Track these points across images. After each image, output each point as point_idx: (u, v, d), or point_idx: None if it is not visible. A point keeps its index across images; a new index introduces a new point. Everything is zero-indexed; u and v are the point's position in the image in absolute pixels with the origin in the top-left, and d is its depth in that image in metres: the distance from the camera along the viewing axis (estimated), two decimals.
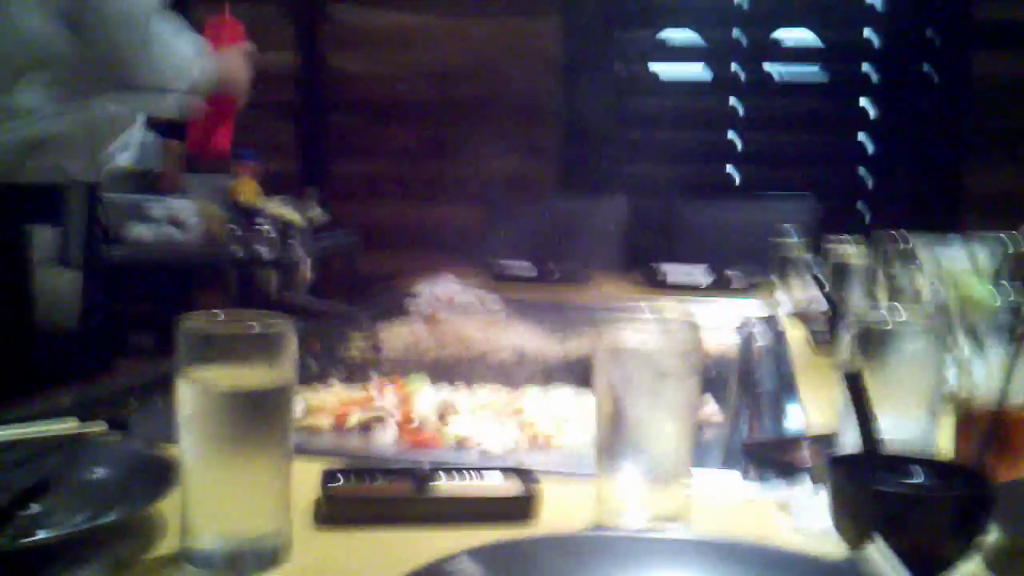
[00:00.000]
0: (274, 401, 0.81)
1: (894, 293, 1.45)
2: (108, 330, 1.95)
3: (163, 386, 0.83)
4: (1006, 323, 1.11)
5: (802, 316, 2.07)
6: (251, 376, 0.80)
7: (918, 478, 0.79)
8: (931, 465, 0.81)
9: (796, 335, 1.97)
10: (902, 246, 1.69)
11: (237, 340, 0.80)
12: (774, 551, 0.77)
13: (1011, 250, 1.45)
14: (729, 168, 4.10)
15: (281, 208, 2.75)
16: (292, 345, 0.82)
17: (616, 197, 3.49)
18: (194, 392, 0.79)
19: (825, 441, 1.08)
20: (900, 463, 0.81)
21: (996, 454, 1.07)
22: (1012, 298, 1.14)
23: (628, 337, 0.89)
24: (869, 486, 0.75)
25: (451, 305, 1.93)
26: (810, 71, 4.07)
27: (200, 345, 0.80)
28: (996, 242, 1.50)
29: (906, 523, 0.74)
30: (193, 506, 0.81)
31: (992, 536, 0.86)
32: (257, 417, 0.80)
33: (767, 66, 4.05)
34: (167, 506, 0.87)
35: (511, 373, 1.57)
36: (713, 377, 1.63)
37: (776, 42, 4.04)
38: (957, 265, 1.40)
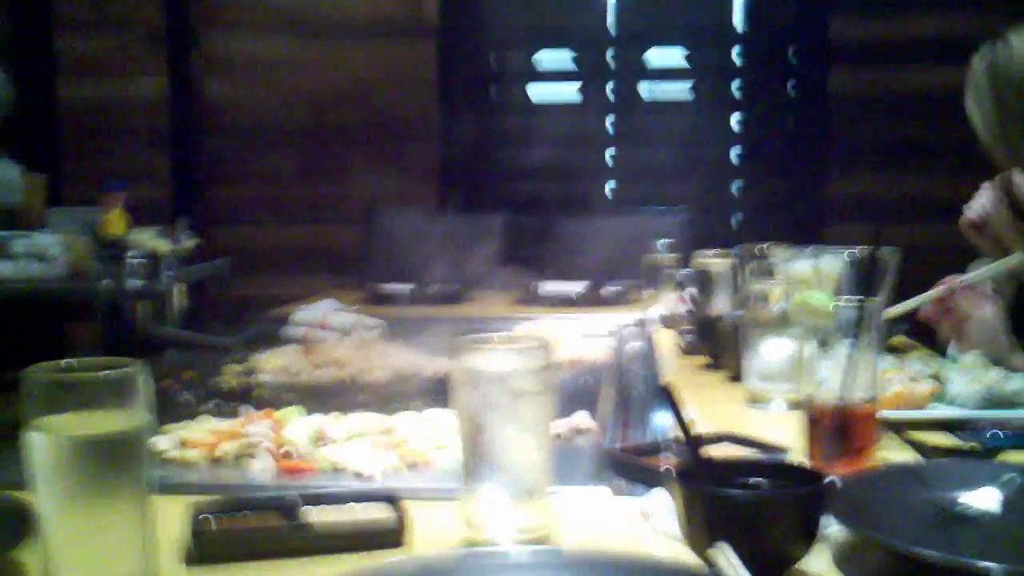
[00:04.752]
0: (127, 445, 0.81)
1: (750, 301, 1.52)
2: None
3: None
4: (848, 326, 1.18)
5: (671, 323, 2.14)
6: (102, 421, 0.79)
7: (755, 480, 0.84)
8: (768, 467, 0.86)
9: (667, 341, 2.04)
10: (759, 256, 1.78)
11: (85, 386, 0.80)
12: (626, 560, 0.80)
13: (854, 258, 1.54)
14: (605, 185, 4.20)
15: (150, 238, 2.70)
16: (143, 387, 0.82)
17: (494, 215, 3.53)
18: (43, 442, 0.78)
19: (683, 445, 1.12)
20: (739, 468, 0.86)
21: (841, 449, 1.14)
22: (850, 303, 1.21)
23: (482, 359, 0.91)
24: (707, 492, 0.79)
25: (326, 327, 1.93)
26: (680, 89, 4.21)
27: (47, 394, 0.79)
28: (842, 251, 1.60)
29: (744, 524, 0.78)
30: (54, 556, 0.79)
31: (833, 530, 0.91)
32: (111, 462, 0.80)
33: (639, 85, 4.17)
34: (28, 554, 0.85)
35: (387, 394, 1.58)
36: (585, 384, 1.68)
37: (647, 62, 4.17)
38: (804, 274, 1.48)
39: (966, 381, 1.41)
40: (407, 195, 4.05)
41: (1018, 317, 1.79)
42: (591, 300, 2.63)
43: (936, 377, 1.45)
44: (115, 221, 2.80)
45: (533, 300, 2.66)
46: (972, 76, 1.91)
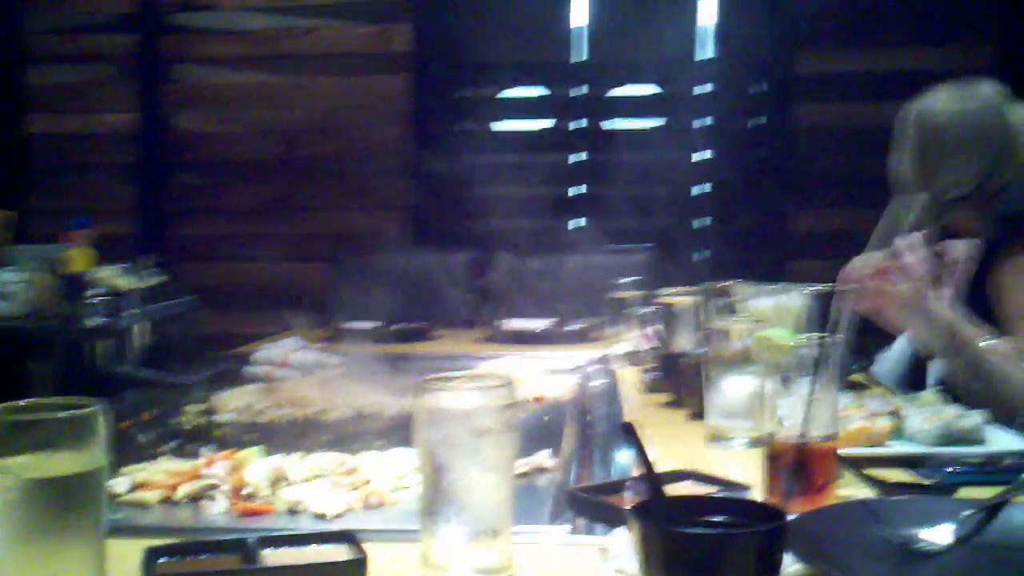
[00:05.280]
0: (84, 487, 0.80)
1: (712, 338, 1.53)
2: None
3: None
4: (808, 363, 1.19)
5: (635, 360, 2.15)
6: (59, 463, 0.78)
7: (715, 518, 0.84)
8: (728, 505, 0.87)
9: (630, 378, 2.05)
10: (722, 293, 1.79)
11: (42, 427, 0.79)
12: None
13: (816, 296, 1.56)
14: (571, 221, 4.23)
15: (113, 276, 2.68)
16: (101, 427, 0.81)
17: (461, 252, 3.54)
18: None
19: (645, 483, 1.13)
20: (699, 506, 0.86)
21: (801, 486, 1.15)
22: (811, 340, 1.22)
23: (444, 398, 0.91)
24: (664, 531, 0.79)
25: (287, 366, 1.92)
26: (648, 125, 4.25)
27: (3, 435, 0.78)
28: (803, 288, 1.62)
29: (702, 563, 0.78)
30: None
31: (792, 567, 0.92)
32: (66, 504, 0.79)
33: (606, 121, 4.21)
34: None
35: (349, 433, 1.57)
36: (549, 422, 1.68)
37: (615, 98, 4.21)
38: (765, 311, 1.50)
39: (924, 418, 1.43)
40: (377, 231, 4.05)
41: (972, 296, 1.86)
42: (556, 337, 2.64)
43: (895, 414, 1.47)
44: (78, 258, 2.77)
45: (498, 337, 2.67)
46: (901, 119, 2.09)
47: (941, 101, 2.04)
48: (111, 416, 0.83)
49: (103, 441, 0.82)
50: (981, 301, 1.87)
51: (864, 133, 3.93)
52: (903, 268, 1.71)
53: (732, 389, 1.49)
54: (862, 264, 1.79)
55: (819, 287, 1.60)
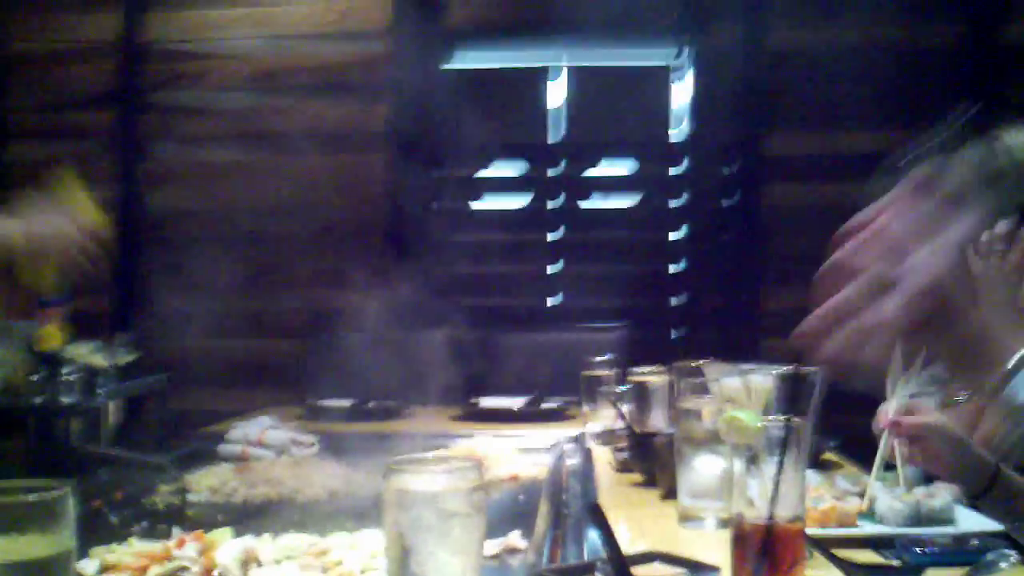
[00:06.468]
0: (51, 570, 0.80)
1: (683, 418, 1.55)
2: None
3: None
4: (775, 444, 1.20)
5: (608, 439, 2.16)
6: (25, 545, 0.78)
7: None
8: None
9: (603, 458, 2.05)
10: (693, 373, 1.81)
11: (8, 510, 0.79)
12: None
13: (783, 375, 1.58)
14: (547, 298, 4.26)
15: (87, 353, 2.68)
16: (70, 510, 0.81)
17: (437, 329, 3.55)
18: None
19: (612, 565, 1.13)
20: None
21: (767, 567, 1.16)
22: (777, 421, 1.23)
23: (412, 480, 0.92)
24: None
25: (262, 445, 1.92)
26: (624, 204, 4.33)
27: None
28: (771, 369, 1.63)
29: None
30: None
31: None
32: None
33: (584, 200, 4.28)
34: None
35: (321, 513, 1.56)
36: (522, 502, 1.68)
37: (592, 177, 4.29)
38: (735, 391, 1.51)
39: (893, 498, 1.44)
40: (352, 308, 4.07)
41: None
42: (531, 415, 2.64)
43: (864, 494, 1.48)
44: (53, 335, 2.77)
45: (473, 415, 2.67)
46: (956, 181, 1.91)
47: (1012, 139, 1.77)
48: (82, 495, 0.83)
49: (71, 524, 0.82)
50: None
51: (834, 212, 4.00)
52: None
53: (703, 469, 1.50)
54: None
55: (787, 368, 1.61)
